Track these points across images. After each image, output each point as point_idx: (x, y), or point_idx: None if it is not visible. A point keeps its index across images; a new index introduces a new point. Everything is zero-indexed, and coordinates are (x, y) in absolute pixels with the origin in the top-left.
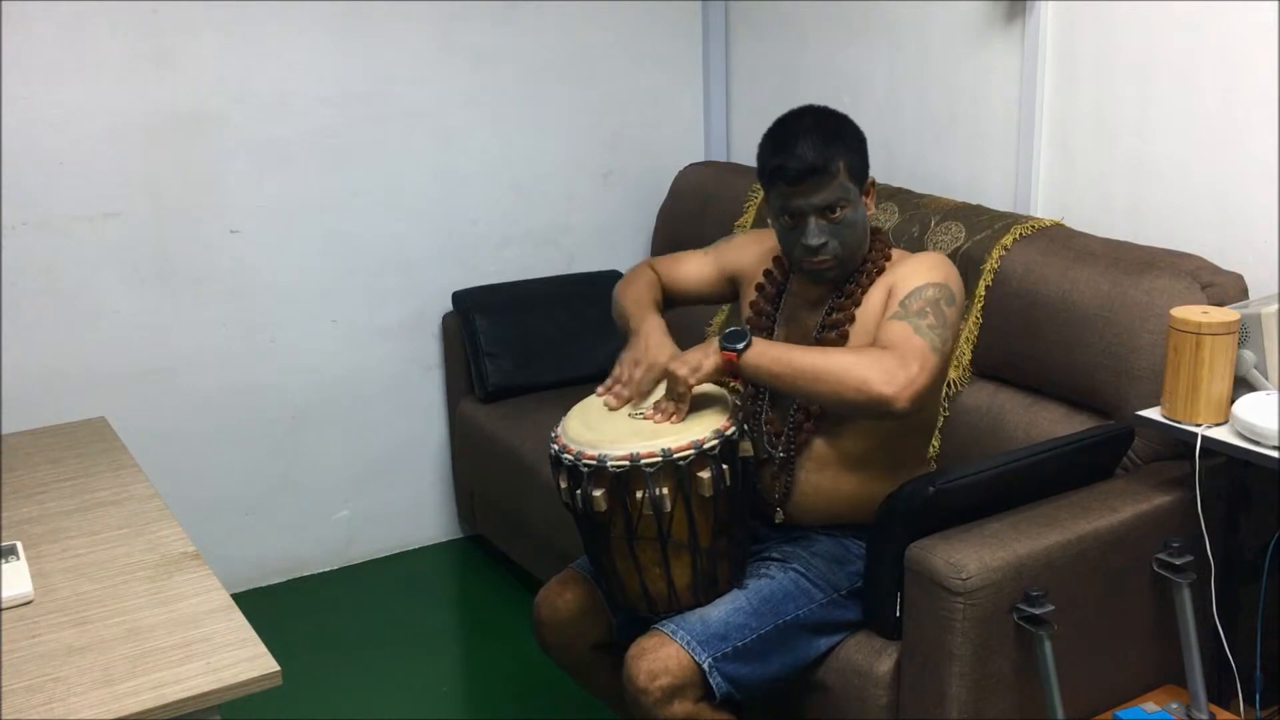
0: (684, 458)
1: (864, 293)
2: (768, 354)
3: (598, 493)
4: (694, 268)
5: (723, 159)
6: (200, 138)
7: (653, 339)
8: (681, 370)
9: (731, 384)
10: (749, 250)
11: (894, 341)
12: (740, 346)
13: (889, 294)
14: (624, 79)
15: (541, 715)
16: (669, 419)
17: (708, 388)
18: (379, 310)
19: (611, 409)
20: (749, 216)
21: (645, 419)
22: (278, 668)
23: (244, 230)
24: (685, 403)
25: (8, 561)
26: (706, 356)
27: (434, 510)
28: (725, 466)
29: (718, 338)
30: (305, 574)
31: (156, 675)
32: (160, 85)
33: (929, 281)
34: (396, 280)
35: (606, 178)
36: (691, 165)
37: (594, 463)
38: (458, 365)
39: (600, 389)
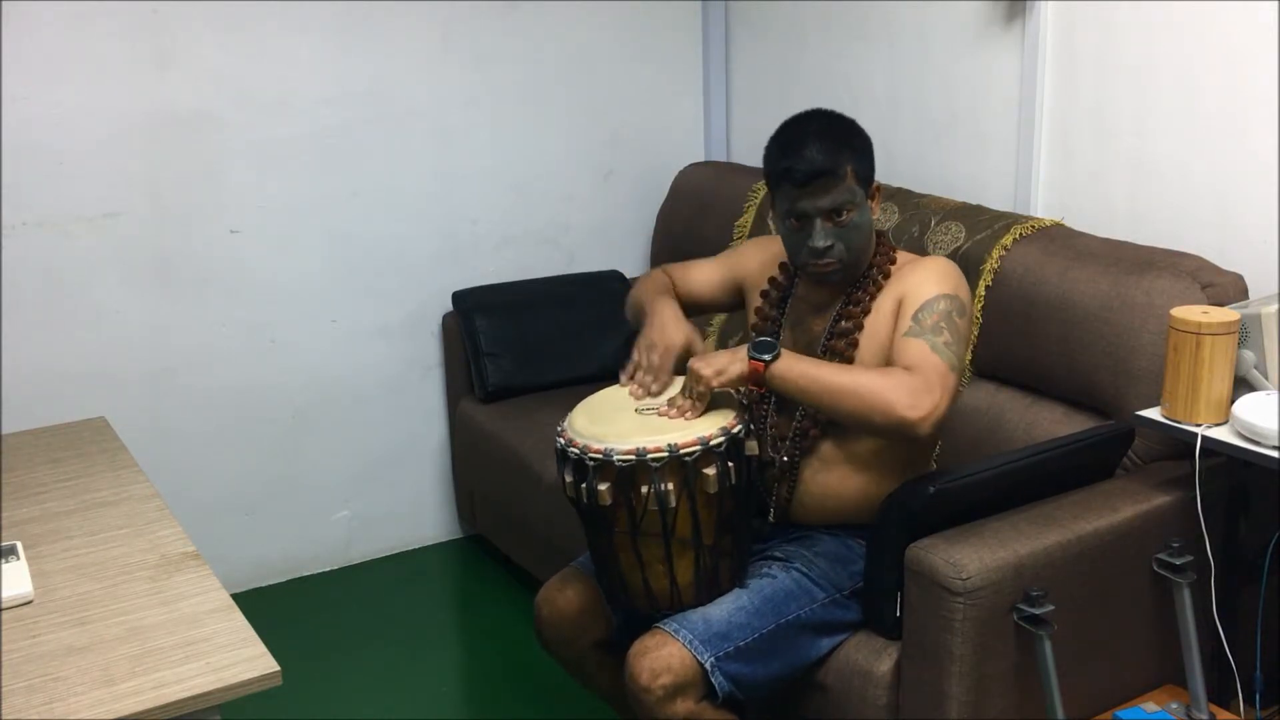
0: (690, 454)
1: (872, 300)
2: (795, 368)
3: (603, 487)
4: (703, 274)
5: (723, 159)
6: (200, 138)
7: (667, 320)
8: (706, 371)
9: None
10: (754, 257)
11: (914, 362)
12: (769, 357)
13: (900, 304)
14: (624, 79)
15: (541, 715)
16: (683, 415)
17: None
18: (379, 310)
19: (636, 398)
20: (749, 216)
21: (657, 414)
22: (278, 668)
23: (244, 230)
24: (703, 402)
25: (8, 561)
26: (733, 362)
27: (434, 510)
28: (731, 464)
29: (747, 345)
30: (305, 574)
31: (157, 675)
32: (160, 85)
33: (940, 293)
34: (396, 280)
35: (606, 178)
36: (691, 165)
37: (600, 456)
38: (458, 365)
39: (623, 376)
